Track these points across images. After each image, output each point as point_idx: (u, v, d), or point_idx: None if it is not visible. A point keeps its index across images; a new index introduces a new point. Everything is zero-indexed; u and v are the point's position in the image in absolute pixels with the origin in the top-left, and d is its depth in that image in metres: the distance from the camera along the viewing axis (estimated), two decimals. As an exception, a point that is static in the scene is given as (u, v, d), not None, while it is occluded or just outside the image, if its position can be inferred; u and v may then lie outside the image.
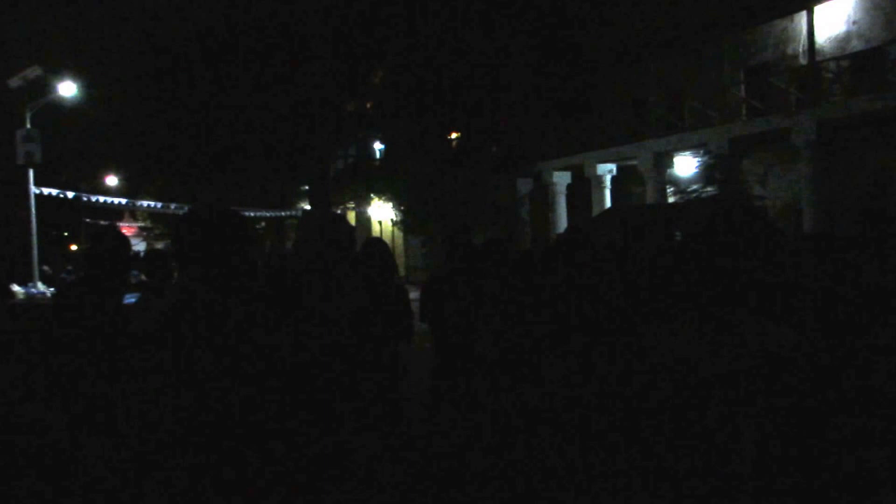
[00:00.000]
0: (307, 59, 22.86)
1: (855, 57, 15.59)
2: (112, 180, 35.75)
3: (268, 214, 27.72)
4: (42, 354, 3.27)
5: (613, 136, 19.46)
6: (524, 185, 22.83)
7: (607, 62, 20.44)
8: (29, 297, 16.72)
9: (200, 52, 23.53)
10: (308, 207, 27.98)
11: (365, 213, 27.26)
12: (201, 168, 25.21)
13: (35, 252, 19.94)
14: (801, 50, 16.75)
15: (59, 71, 21.15)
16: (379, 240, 4.19)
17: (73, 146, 27.62)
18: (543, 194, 22.04)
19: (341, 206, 27.70)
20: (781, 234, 2.15)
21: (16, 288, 16.75)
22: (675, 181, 19.06)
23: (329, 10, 22.45)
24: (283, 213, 28.51)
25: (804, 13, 16.54)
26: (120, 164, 33.54)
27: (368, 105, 24.90)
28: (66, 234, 36.42)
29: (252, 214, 25.04)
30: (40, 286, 19.06)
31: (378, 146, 29.22)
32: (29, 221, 19.87)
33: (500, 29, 21.02)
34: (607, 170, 19.99)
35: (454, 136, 23.89)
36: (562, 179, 21.47)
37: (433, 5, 21.33)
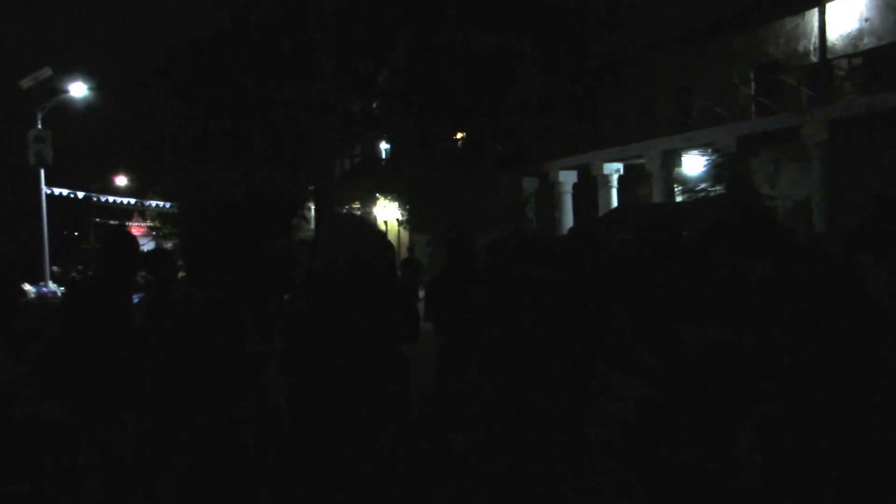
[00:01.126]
0: (313, 59, 22.88)
1: (867, 54, 15.44)
2: (122, 180, 36.00)
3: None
4: (50, 352, 3.28)
5: (621, 135, 19.35)
6: (530, 185, 22.76)
7: (615, 60, 20.33)
8: (40, 296, 16.83)
9: (207, 52, 23.60)
10: (313, 207, 28.03)
11: (371, 212, 27.27)
12: (208, 166, 25.31)
13: (46, 251, 20.07)
14: (812, 47, 16.61)
15: (69, 71, 21.29)
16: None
17: (84, 146, 27.80)
18: (549, 194, 21.97)
19: (347, 206, 27.73)
20: (789, 233, 2.13)
21: (27, 287, 16.87)
22: (683, 180, 18.94)
23: (335, 9, 22.45)
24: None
25: (815, 10, 16.41)
26: (129, 165, 33.74)
27: (374, 105, 24.89)
28: (76, 233, 36.65)
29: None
30: (51, 285, 19.20)
31: (384, 146, 29.22)
32: (40, 221, 20.01)
33: (506, 27, 20.94)
34: (614, 169, 19.90)
35: (460, 135, 23.84)
36: (568, 179, 21.39)
37: (439, 4, 21.28)
